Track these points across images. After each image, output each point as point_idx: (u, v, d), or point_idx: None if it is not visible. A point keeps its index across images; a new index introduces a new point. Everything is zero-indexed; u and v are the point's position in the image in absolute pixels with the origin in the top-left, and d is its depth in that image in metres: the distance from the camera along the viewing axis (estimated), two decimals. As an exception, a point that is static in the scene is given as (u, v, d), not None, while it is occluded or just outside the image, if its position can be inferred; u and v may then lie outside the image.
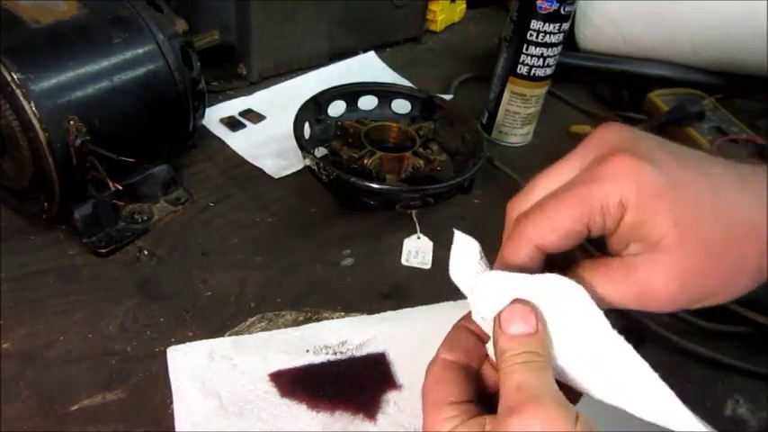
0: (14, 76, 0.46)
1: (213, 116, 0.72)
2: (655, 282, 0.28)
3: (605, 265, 0.30)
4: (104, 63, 0.52)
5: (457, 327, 0.34)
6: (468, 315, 0.34)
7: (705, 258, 0.28)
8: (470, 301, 0.33)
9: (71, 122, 0.48)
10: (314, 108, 0.66)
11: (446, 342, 0.34)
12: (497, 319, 0.30)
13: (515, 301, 0.30)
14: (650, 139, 0.31)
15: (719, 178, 0.29)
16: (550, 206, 0.30)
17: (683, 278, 0.28)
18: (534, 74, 0.70)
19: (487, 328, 0.32)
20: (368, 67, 0.86)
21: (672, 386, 0.49)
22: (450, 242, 0.37)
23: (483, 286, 0.32)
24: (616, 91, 0.86)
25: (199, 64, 0.59)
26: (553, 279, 0.30)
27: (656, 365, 0.52)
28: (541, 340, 0.30)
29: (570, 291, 0.29)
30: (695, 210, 0.28)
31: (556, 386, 0.28)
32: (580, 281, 0.29)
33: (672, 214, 0.28)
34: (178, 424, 0.42)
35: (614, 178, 0.28)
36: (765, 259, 0.29)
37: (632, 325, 0.52)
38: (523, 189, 0.33)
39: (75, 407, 0.43)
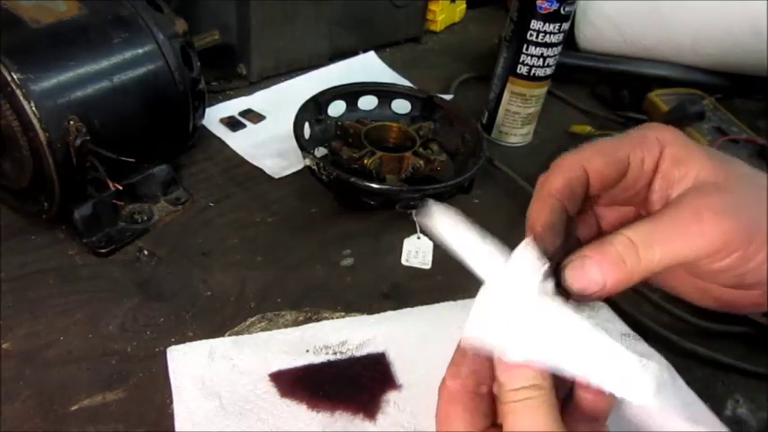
0: (14, 76, 0.46)
1: (213, 116, 0.72)
2: (702, 225, 0.27)
3: (652, 219, 0.28)
4: (104, 63, 0.52)
5: (460, 347, 0.32)
6: None
7: (741, 197, 0.29)
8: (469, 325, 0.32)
9: (71, 122, 0.48)
10: (314, 108, 0.66)
11: (451, 367, 0.32)
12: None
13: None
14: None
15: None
16: (583, 150, 0.30)
17: (722, 220, 0.27)
18: (534, 74, 0.70)
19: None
20: (368, 67, 0.86)
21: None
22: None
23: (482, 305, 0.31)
24: (616, 91, 0.86)
25: (199, 64, 0.59)
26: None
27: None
28: (541, 369, 0.28)
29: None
30: (720, 157, 0.29)
31: (557, 424, 0.27)
32: (624, 240, 0.28)
33: (708, 154, 0.29)
34: (178, 424, 0.42)
35: (651, 128, 0.31)
36: None
37: (632, 325, 0.52)
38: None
39: (75, 407, 0.43)
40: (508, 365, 0.28)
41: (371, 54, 0.88)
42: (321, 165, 0.58)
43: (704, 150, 0.30)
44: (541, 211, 0.31)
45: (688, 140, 0.31)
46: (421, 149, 0.63)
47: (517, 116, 0.74)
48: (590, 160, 0.30)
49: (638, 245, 0.28)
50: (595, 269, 0.28)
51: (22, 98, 0.46)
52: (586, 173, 0.31)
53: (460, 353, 0.32)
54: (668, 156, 0.30)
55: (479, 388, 0.31)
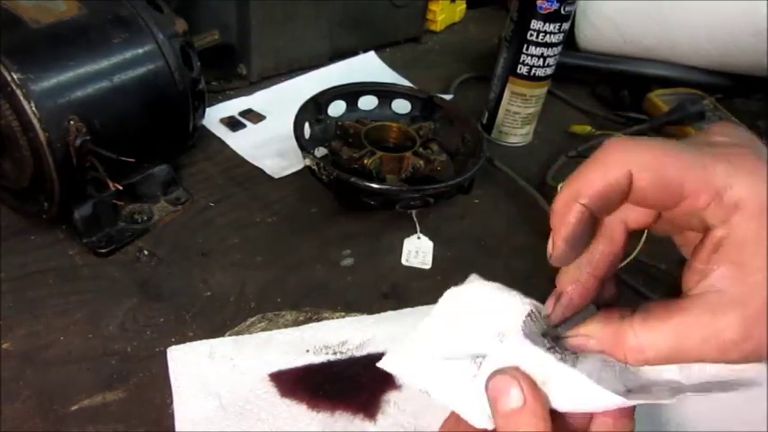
0: (14, 76, 0.46)
1: (213, 116, 0.72)
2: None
3: (684, 310, 0.25)
4: (104, 63, 0.52)
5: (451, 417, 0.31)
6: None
7: None
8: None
9: (71, 122, 0.48)
10: (314, 108, 0.66)
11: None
12: (486, 394, 0.29)
13: (496, 372, 0.29)
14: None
15: None
16: (650, 145, 0.26)
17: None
18: (534, 74, 0.70)
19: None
20: (368, 67, 0.86)
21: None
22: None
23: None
24: (616, 91, 0.86)
25: (199, 64, 0.59)
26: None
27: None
28: (533, 412, 0.27)
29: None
30: None
31: None
32: (647, 346, 0.26)
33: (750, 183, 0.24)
34: (178, 424, 0.42)
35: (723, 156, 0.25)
36: None
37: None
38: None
39: (76, 407, 0.43)
40: (503, 413, 0.28)
41: (371, 54, 0.88)
42: (321, 165, 0.58)
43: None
44: (571, 213, 0.27)
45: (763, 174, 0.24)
46: (421, 149, 0.63)
47: (517, 116, 0.74)
48: (640, 171, 0.25)
49: (646, 348, 0.26)
50: (597, 348, 0.28)
51: (22, 98, 0.46)
52: (630, 180, 0.26)
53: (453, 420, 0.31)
54: (739, 223, 0.24)
55: None
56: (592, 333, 0.28)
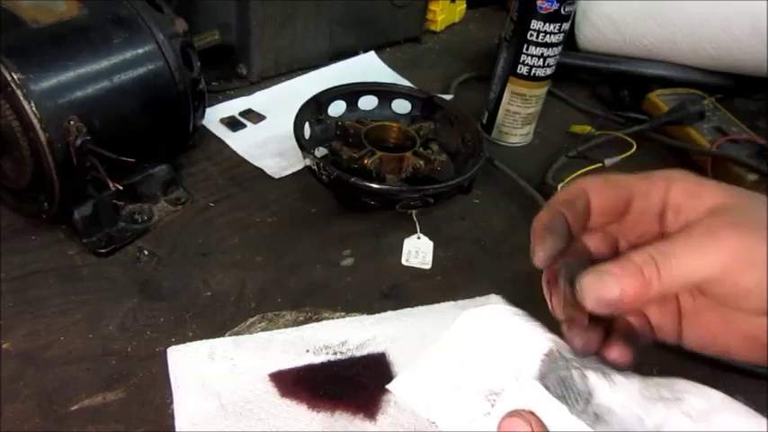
0: (14, 76, 0.46)
1: (213, 116, 0.72)
2: (747, 237, 0.27)
3: (687, 237, 0.27)
4: (104, 63, 0.52)
5: None
6: None
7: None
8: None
9: (71, 122, 0.48)
10: (314, 108, 0.66)
11: None
12: None
13: (511, 413, 0.29)
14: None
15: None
16: (592, 179, 0.32)
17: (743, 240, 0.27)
18: (534, 74, 0.70)
19: None
20: (368, 67, 0.86)
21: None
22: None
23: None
24: (616, 91, 0.86)
25: (199, 64, 0.59)
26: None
27: (655, 365, 0.52)
28: None
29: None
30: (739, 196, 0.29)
31: None
32: (663, 259, 0.27)
33: (721, 186, 0.29)
34: (178, 424, 0.42)
35: (658, 172, 0.30)
36: None
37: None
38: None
39: (75, 407, 0.43)
40: None
41: (371, 54, 0.88)
42: (321, 165, 0.58)
43: (717, 183, 0.29)
44: (543, 215, 0.32)
45: (699, 177, 0.30)
46: (421, 149, 0.63)
47: (517, 116, 0.74)
48: (591, 183, 0.32)
49: (657, 258, 0.27)
50: (611, 280, 0.28)
51: (22, 98, 0.47)
52: (587, 193, 0.32)
53: None
54: (679, 189, 0.29)
55: None
56: (605, 268, 0.28)
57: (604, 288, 0.28)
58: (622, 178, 0.32)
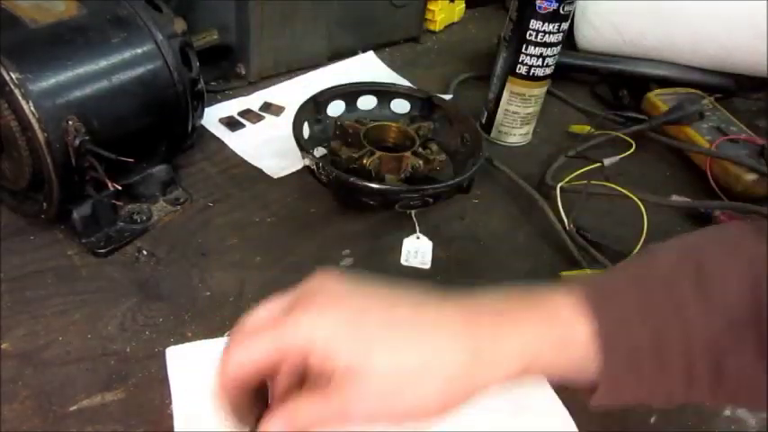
0: (13, 76, 0.46)
1: (212, 116, 0.72)
2: (348, 403, 0.31)
3: (315, 392, 0.32)
4: (103, 63, 0.51)
5: None
6: None
7: (383, 385, 0.31)
8: None
9: (70, 122, 0.48)
10: (313, 108, 0.66)
11: None
12: None
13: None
14: (344, 285, 0.34)
15: (399, 312, 0.32)
16: (254, 337, 0.33)
17: (367, 399, 0.31)
18: (533, 74, 0.70)
19: None
20: (367, 66, 0.86)
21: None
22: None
23: None
24: (616, 91, 0.86)
25: (198, 64, 0.59)
26: None
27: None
28: None
29: None
30: (366, 344, 0.31)
31: None
32: (295, 409, 0.32)
33: (346, 351, 0.31)
34: (177, 424, 0.42)
35: (302, 319, 0.32)
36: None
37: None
38: (249, 314, 0.35)
39: (74, 407, 0.43)
40: None
41: (371, 54, 0.88)
42: (320, 165, 0.58)
43: (340, 342, 0.31)
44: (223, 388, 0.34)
45: (349, 328, 0.32)
46: (420, 149, 0.63)
47: (516, 116, 0.74)
48: (244, 367, 0.33)
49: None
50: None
51: (20, 98, 0.46)
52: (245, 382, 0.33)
53: None
54: (318, 357, 0.31)
55: None
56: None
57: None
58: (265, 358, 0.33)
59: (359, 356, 0.31)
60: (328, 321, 0.32)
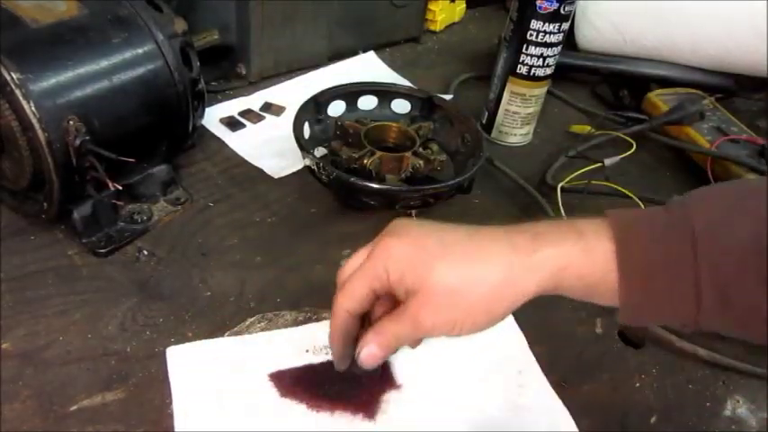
0: (14, 76, 0.46)
1: (213, 116, 0.72)
2: (418, 314, 0.37)
3: (395, 311, 0.38)
4: (104, 63, 0.51)
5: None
6: None
7: (444, 295, 0.36)
8: None
9: (70, 122, 0.48)
10: (314, 108, 0.66)
11: None
12: None
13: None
14: (412, 224, 0.41)
15: (455, 235, 0.38)
16: (348, 283, 0.39)
17: (433, 310, 0.37)
18: (534, 74, 0.70)
19: None
20: (368, 66, 0.86)
21: (672, 386, 0.50)
22: None
23: None
24: (616, 91, 0.86)
25: (198, 64, 0.59)
26: None
27: (655, 366, 0.52)
28: None
29: None
30: (429, 263, 0.37)
31: None
32: (380, 326, 0.39)
33: (413, 270, 0.37)
34: (178, 424, 0.42)
35: (377, 256, 0.38)
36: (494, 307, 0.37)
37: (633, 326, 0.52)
38: (346, 261, 0.42)
39: (75, 407, 0.43)
40: None
41: (371, 54, 0.88)
42: (321, 165, 0.58)
43: (410, 265, 0.37)
44: (333, 325, 0.41)
45: (399, 250, 0.38)
46: (421, 149, 0.63)
47: (517, 116, 0.74)
48: (351, 304, 0.40)
49: (382, 327, 0.39)
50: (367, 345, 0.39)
51: (21, 98, 0.46)
52: (361, 299, 0.40)
53: None
54: (393, 280, 0.38)
55: None
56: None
57: (368, 352, 0.39)
58: (363, 284, 0.39)
59: (421, 276, 0.37)
60: (396, 251, 0.37)
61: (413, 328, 0.38)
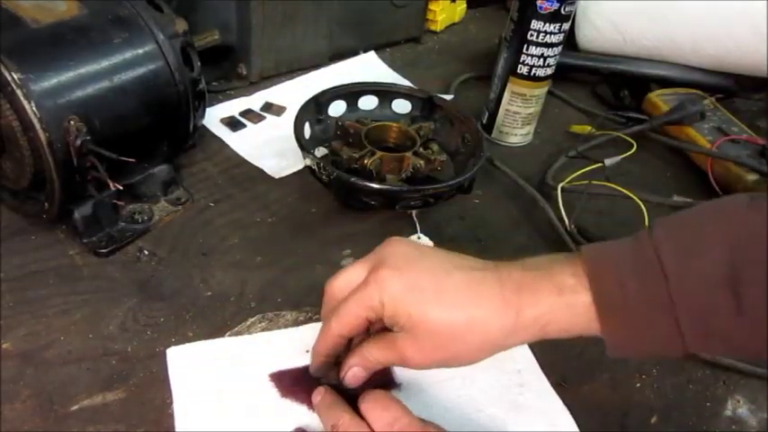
0: (15, 76, 0.46)
1: (213, 116, 0.72)
2: (406, 350, 0.40)
3: (383, 340, 0.41)
4: (104, 63, 0.52)
5: None
6: None
7: (434, 338, 0.39)
8: None
9: (71, 122, 0.48)
10: (314, 108, 0.66)
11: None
12: None
13: None
14: (410, 252, 0.41)
15: (451, 280, 0.39)
16: (343, 309, 0.40)
17: (421, 349, 0.39)
18: (534, 74, 0.70)
19: None
20: (368, 67, 0.86)
21: (672, 386, 0.50)
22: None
23: None
24: (616, 91, 0.86)
25: (199, 64, 0.59)
26: None
27: (655, 366, 0.52)
28: None
29: None
30: (423, 306, 0.39)
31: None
32: (367, 352, 0.41)
33: (407, 310, 0.38)
34: (178, 424, 0.42)
35: (372, 286, 0.39)
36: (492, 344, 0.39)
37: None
38: (337, 274, 0.43)
39: (76, 407, 0.43)
40: None
41: (372, 54, 0.88)
42: (321, 165, 0.58)
43: (406, 300, 0.39)
44: (321, 345, 0.43)
45: (397, 283, 0.39)
46: (421, 149, 0.63)
47: (517, 116, 0.74)
48: (343, 330, 0.41)
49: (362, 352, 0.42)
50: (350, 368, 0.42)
51: (22, 98, 0.46)
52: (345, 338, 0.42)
53: None
54: (387, 315, 0.39)
55: None
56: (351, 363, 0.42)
57: (353, 374, 0.42)
58: (357, 312, 0.40)
59: (413, 318, 0.38)
60: (391, 287, 0.39)
61: (399, 360, 0.41)
